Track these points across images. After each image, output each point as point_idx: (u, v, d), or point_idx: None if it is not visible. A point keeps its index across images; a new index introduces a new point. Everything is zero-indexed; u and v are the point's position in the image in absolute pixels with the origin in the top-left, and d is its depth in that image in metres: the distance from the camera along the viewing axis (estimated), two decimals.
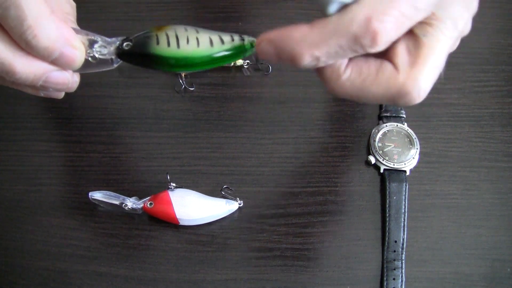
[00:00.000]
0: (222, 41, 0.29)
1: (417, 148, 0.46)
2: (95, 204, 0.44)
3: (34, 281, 0.42)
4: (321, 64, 0.27)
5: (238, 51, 0.30)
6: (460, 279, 0.43)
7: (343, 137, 0.48)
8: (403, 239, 0.43)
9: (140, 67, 0.31)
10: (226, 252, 0.43)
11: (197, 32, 0.30)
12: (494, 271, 0.43)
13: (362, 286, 0.42)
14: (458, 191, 0.46)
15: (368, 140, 0.47)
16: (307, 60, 0.27)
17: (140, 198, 0.43)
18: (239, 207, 0.44)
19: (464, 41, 0.52)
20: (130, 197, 0.43)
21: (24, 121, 0.48)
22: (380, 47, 0.26)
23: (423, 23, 0.27)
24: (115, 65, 0.32)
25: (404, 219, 0.44)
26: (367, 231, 0.44)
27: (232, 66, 0.50)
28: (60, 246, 0.43)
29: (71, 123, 0.48)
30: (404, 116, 0.48)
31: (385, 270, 0.43)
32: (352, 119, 0.46)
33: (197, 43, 0.29)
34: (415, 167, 0.46)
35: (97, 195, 0.43)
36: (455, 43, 0.31)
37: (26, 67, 0.29)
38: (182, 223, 0.43)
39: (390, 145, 0.46)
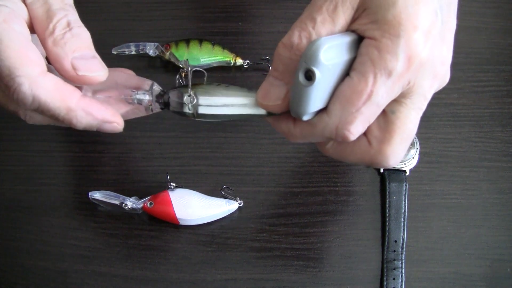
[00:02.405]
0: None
1: (417, 148, 0.46)
2: (95, 204, 0.44)
3: (34, 281, 0.42)
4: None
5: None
6: (460, 279, 0.43)
7: None
8: (403, 239, 0.43)
9: None
10: (226, 252, 0.43)
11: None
12: (493, 271, 0.43)
13: (362, 286, 0.42)
14: (458, 191, 0.46)
15: None
16: (294, 141, 0.33)
17: (140, 198, 0.43)
18: (239, 207, 0.44)
19: (464, 41, 0.52)
20: (130, 197, 0.43)
21: (24, 121, 0.48)
22: (353, 140, 0.30)
23: (393, 100, 0.30)
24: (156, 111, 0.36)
25: (404, 219, 0.44)
26: (367, 231, 0.44)
27: (232, 66, 0.50)
28: (60, 246, 0.43)
29: None
30: None
31: (385, 270, 0.43)
32: None
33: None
34: (415, 167, 0.46)
35: (97, 195, 0.43)
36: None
37: (80, 121, 0.33)
38: (182, 223, 0.43)
39: None
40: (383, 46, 0.28)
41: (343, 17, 0.29)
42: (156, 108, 0.35)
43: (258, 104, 0.32)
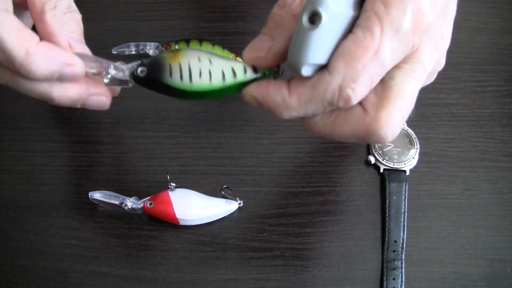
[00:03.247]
0: (235, 74, 0.30)
1: (416, 148, 0.46)
2: (95, 204, 0.44)
3: (34, 281, 0.42)
4: (298, 117, 0.30)
5: (249, 83, 0.31)
6: (460, 279, 0.43)
7: None
8: (402, 239, 0.43)
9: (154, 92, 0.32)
10: (226, 252, 0.43)
11: (210, 63, 0.30)
12: (493, 271, 0.43)
13: (362, 286, 0.42)
14: (457, 191, 0.46)
15: None
16: (286, 117, 0.30)
17: (140, 198, 0.43)
18: (239, 207, 0.44)
19: (464, 41, 0.52)
20: (130, 197, 0.43)
21: (24, 121, 0.48)
22: (354, 103, 0.28)
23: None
24: (131, 85, 0.33)
25: (404, 219, 0.44)
26: (367, 231, 0.44)
27: None
28: (60, 246, 0.43)
29: (71, 123, 0.48)
30: None
31: (385, 270, 0.43)
32: None
33: (209, 77, 0.30)
34: (415, 167, 0.46)
35: (97, 195, 0.43)
36: (429, 79, 0.33)
37: (62, 94, 0.31)
38: (182, 223, 0.43)
39: (390, 145, 0.46)
40: (390, 1, 0.26)
41: None
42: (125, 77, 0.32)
43: (243, 58, 0.31)
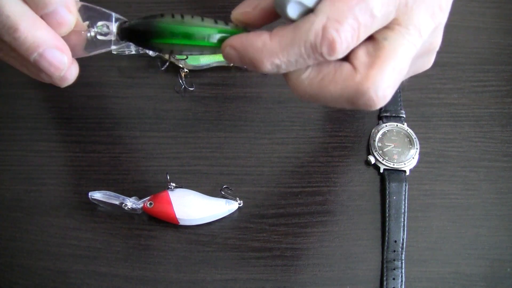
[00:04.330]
0: (226, 23, 0.30)
1: (416, 148, 0.46)
2: (95, 204, 0.44)
3: (34, 281, 0.42)
4: (282, 71, 0.28)
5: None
6: (460, 279, 0.43)
7: (343, 137, 0.48)
8: (402, 239, 0.43)
9: (141, 46, 0.31)
10: (226, 252, 0.43)
11: (202, 18, 0.30)
12: (494, 271, 0.43)
13: (362, 286, 0.42)
14: (458, 191, 0.46)
15: (368, 140, 0.47)
16: (267, 67, 0.27)
17: (140, 198, 0.43)
18: (239, 207, 0.44)
19: (464, 41, 0.52)
20: (130, 197, 0.43)
21: (24, 121, 0.48)
22: (339, 54, 0.26)
23: (384, 28, 0.27)
24: (114, 48, 0.31)
25: (404, 219, 0.44)
26: (366, 231, 0.44)
27: (232, 66, 0.50)
28: (60, 246, 0.43)
29: (71, 123, 0.48)
30: (404, 116, 0.48)
31: (385, 270, 0.43)
32: (352, 119, 0.46)
33: (201, 19, 0.29)
34: (415, 167, 0.46)
35: (97, 195, 0.43)
36: (429, 59, 0.31)
37: (29, 29, 0.28)
38: (182, 223, 0.43)
39: (390, 145, 0.46)
40: None
41: None
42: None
43: (232, 17, 0.30)
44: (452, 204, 0.45)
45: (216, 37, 0.29)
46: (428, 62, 0.32)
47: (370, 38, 0.28)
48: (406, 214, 0.44)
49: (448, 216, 0.45)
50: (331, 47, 0.26)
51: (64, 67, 0.30)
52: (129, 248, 0.43)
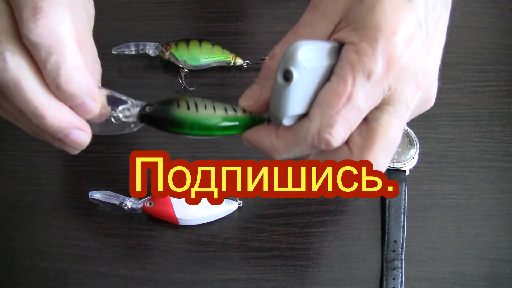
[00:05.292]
0: (235, 110, 0.33)
1: (416, 148, 0.46)
2: (95, 204, 0.44)
3: (34, 281, 0.42)
4: (291, 158, 0.32)
5: (247, 122, 0.33)
6: (460, 279, 0.43)
7: None
8: (402, 239, 0.43)
9: (160, 130, 0.33)
10: (226, 252, 0.43)
11: (213, 102, 0.33)
12: (493, 271, 0.43)
13: (362, 286, 0.42)
14: (457, 191, 0.46)
15: None
16: (277, 158, 0.32)
17: (140, 198, 0.43)
18: (239, 207, 0.44)
19: (464, 41, 0.52)
20: (130, 197, 0.43)
21: None
22: (336, 146, 0.30)
23: (374, 108, 0.30)
24: (134, 129, 0.34)
25: (404, 219, 0.44)
26: (366, 231, 0.44)
27: (232, 66, 0.50)
28: (60, 246, 0.43)
29: None
30: None
31: (384, 270, 0.43)
32: None
33: (213, 109, 0.32)
34: (414, 167, 0.46)
35: (97, 195, 0.43)
36: (420, 110, 0.33)
37: (55, 116, 0.30)
38: (181, 223, 0.43)
39: None
40: (361, 49, 0.28)
41: (325, 29, 0.30)
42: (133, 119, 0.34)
43: (239, 104, 0.33)
44: (452, 204, 0.45)
45: (226, 124, 0.33)
46: (422, 110, 0.34)
47: (363, 119, 0.30)
48: (406, 214, 0.44)
49: (448, 216, 0.45)
50: (328, 145, 0.30)
51: (85, 144, 0.33)
52: (129, 248, 0.43)
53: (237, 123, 0.33)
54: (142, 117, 0.33)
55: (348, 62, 0.28)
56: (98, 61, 0.37)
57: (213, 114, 0.32)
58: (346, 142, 0.31)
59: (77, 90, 0.30)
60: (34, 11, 0.28)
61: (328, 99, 0.29)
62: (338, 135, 0.29)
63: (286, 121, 0.30)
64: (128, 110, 0.33)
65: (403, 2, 0.29)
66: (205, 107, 0.32)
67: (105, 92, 0.33)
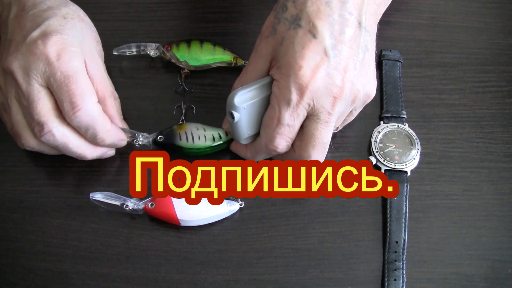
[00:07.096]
0: (220, 137, 0.45)
1: (418, 149, 0.46)
2: (96, 205, 0.43)
3: (34, 282, 0.42)
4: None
5: (228, 141, 0.46)
6: (461, 280, 0.43)
7: (344, 138, 0.48)
8: (404, 240, 0.43)
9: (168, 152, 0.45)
10: (227, 252, 0.43)
11: (204, 130, 0.45)
12: (495, 271, 0.43)
13: (363, 287, 0.42)
14: (459, 191, 0.46)
15: (369, 141, 0.47)
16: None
17: (141, 199, 0.43)
18: (240, 207, 0.44)
19: (465, 41, 0.52)
20: (131, 198, 0.43)
21: None
22: (282, 152, 0.42)
23: (305, 119, 0.40)
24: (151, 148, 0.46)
25: (405, 220, 0.44)
26: (368, 232, 0.44)
27: (233, 66, 0.50)
28: (61, 247, 0.43)
29: None
30: (405, 116, 0.48)
31: (386, 271, 0.43)
32: (353, 120, 0.46)
33: (204, 139, 0.45)
34: (416, 167, 0.46)
35: (98, 196, 0.43)
36: (354, 111, 0.43)
37: (93, 153, 0.43)
38: (183, 223, 0.43)
39: (391, 146, 0.46)
40: (280, 84, 0.39)
41: (262, 66, 0.41)
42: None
43: (222, 128, 0.46)
44: (453, 204, 0.45)
45: (214, 145, 0.45)
46: (365, 101, 0.41)
47: (301, 127, 0.41)
48: (407, 215, 0.44)
49: (449, 216, 0.45)
50: (276, 152, 0.42)
51: (123, 143, 0.45)
52: (130, 249, 0.43)
53: (220, 142, 0.45)
54: (156, 143, 0.45)
55: (275, 95, 0.39)
56: (116, 95, 0.46)
57: (204, 144, 0.45)
58: (292, 145, 0.42)
59: (110, 143, 0.43)
60: (71, 105, 0.39)
61: (266, 122, 0.40)
62: (280, 145, 0.41)
63: (244, 141, 0.43)
64: (145, 139, 0.45)
65: (308, 40, 0.37)
66: (198, 138, 0.45)
67: (128, 132, 0.45)
